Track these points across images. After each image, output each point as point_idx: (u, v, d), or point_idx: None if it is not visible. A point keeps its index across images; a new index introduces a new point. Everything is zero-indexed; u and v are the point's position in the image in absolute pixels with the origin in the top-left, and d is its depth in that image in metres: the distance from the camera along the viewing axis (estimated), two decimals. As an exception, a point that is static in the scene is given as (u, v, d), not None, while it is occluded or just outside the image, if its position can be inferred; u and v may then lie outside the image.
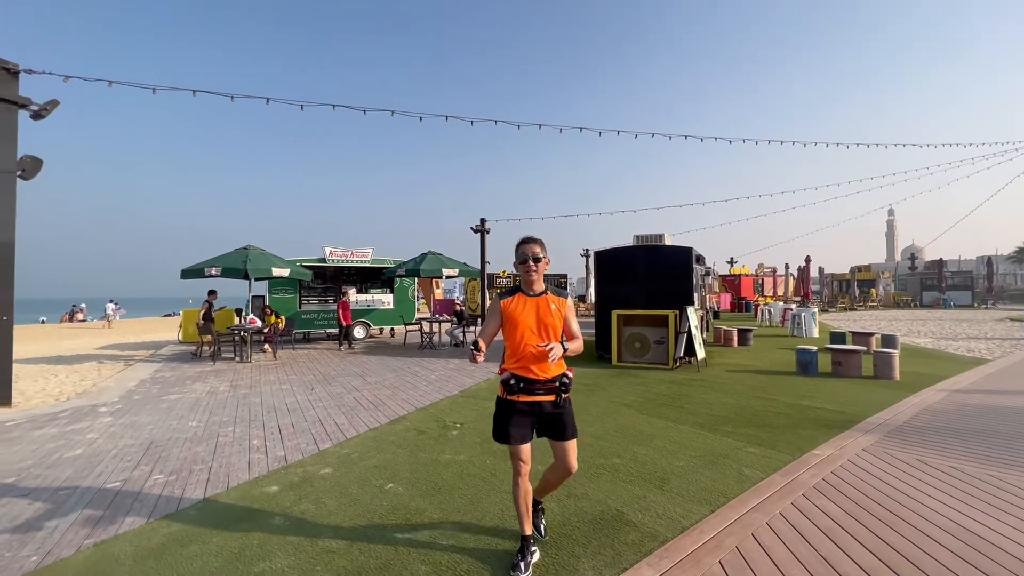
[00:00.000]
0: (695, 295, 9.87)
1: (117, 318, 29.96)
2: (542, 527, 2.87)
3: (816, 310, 15.02)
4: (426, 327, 13.33)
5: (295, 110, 9.24)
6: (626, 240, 11.32)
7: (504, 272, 31.99)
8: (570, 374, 2.63)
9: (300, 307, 14.55)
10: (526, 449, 2.56)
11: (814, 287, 34.35)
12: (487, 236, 22.91)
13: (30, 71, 6.46)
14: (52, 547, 2.87)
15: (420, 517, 3.16)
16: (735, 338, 12.34)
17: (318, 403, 6.47)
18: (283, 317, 12.60)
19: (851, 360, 8.01)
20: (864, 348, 8.56)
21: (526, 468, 2.56)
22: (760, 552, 2.69)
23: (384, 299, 15.77)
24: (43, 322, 33.80)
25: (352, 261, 15.21)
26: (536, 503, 2.90)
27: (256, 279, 11.79)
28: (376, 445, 4.65)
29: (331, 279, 15.63)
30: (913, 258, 40.50)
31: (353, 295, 15.07)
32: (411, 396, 6.79)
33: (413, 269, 13.08)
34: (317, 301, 15.09)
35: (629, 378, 7.97)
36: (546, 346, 2.43)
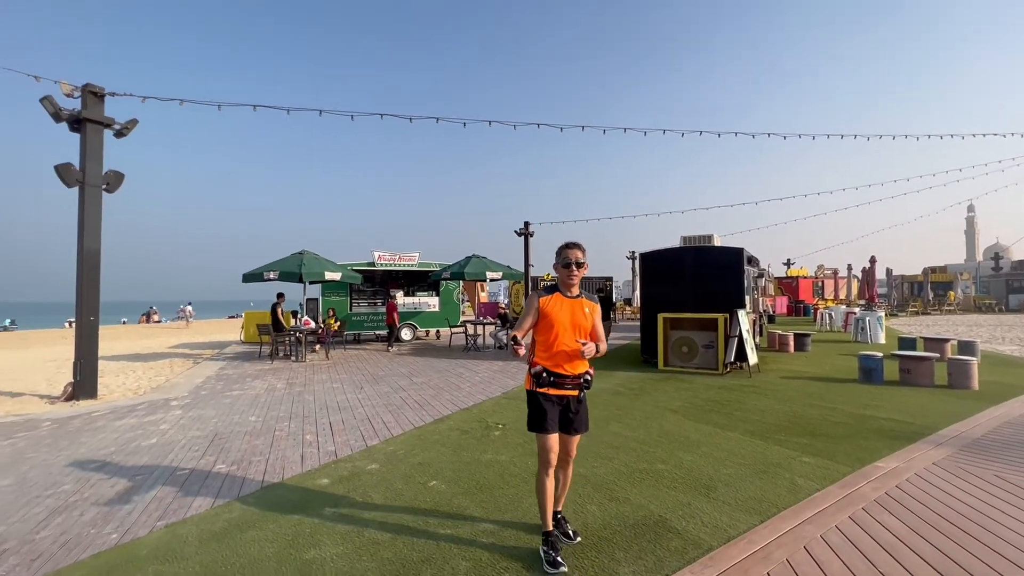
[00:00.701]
0: (746, 298, 9.49)
1: (191, 319, 32.53)
2: (570, 531, 2.87)
3: (882, 314, 14.03)
4: (471, 329, 13.53)
5: (346, 120, 9.65)
6: (673, 242, 11.06)
7: (548, 275, 31.97)
8: (591, 372, 2.77)
9: (351, 309, 15.14)
10: (556, 439, 2.70)
11: (880, 289, 32.12)
12: (531, 239, 23.02)
13: (113, 94, 7.13)
14: (130, 526, 3.14)
15: (462, 514, 3.21)
16: (791, 343, 11.75)
17: (367, 402, 6.71)
18: (339, 320, 13.26)
19: (921, 367, 7.43)
20: (937, 355, 7.93)
21: (555, 458, 2.71)
22: (812, 565, 2.55)
23: (430, 302, 16.13)
24: (124, 323, 36.86)
25: (399, 265, 15.68)
26: (556, 514, 2.92)
27: (310, 282, 12.41)
28: (421, 443, 4.77)
29: (380, 282, 16.17)
30: (997, 258, 37.03)
31: (400, 298, 15.53)
32: (455, 397, 6.92)
33: (458, 272, 13.32)
34: (367, 304, 15.65)
35: (676, 383, 7.76)
36: (584, 344, 2.63)
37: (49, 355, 13.89)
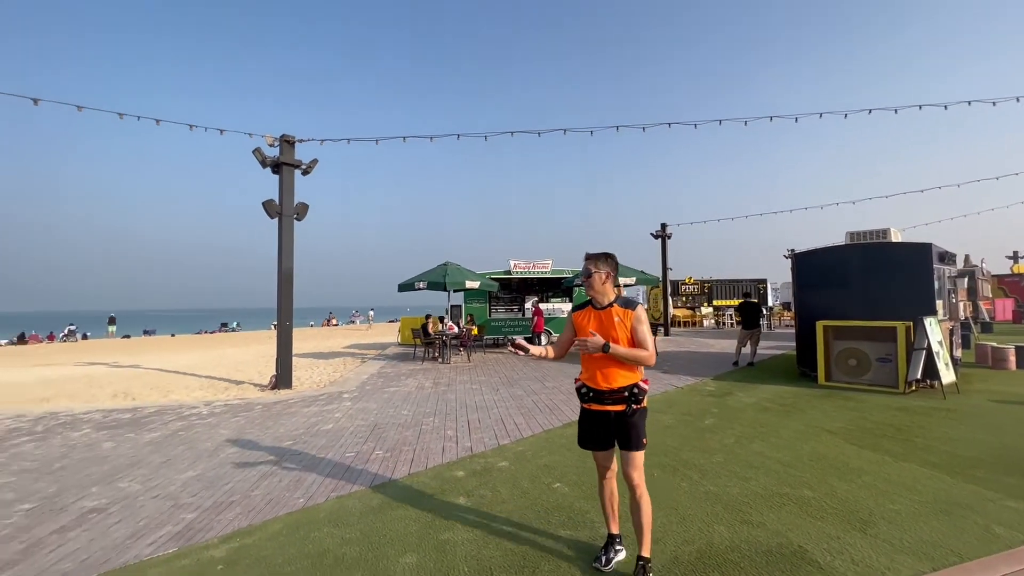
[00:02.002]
0: (938, 302, 7.89)
1: (371, 323, 38.46)
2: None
3: None
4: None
5: (480, 141, 10.42)
6: (837, 239, 9.68)
7: (690, 279, 30.06)
8: (643, 384, 2.61)
9: (490, 315, 16.13)
10: (604, 455, 2.71)
11: None
12: (668, 241, 21.95)
13: (300, 140, 8.77)
14: (312, 494, 3.86)
15: (582, 518, 3.30)
16: (1011, 358, 9.38)
17: (501, 403, 7.14)
18: (476, 326, 14.29)
19: None
20: None
21: (607, 472, 2.73)
22: (1004, 632, 2.10)
23: (564, 308, 16.39)
24: (312, 325, 44.10)
25: (534, 272, 16.25)
26: (637, 561, 2.59)
27: (454, 291, 13.56)
28: (548, 446, 4.96)
29: (516, 290, 16.93)
30: None
31: (531, 305, 16.09)
32: (584, 403, 6.98)
33: (590, 279, 13.34)
34: (504, 310, 16.52)
35: (839, 400, 6.79)
36: (586, 340, 2.54)
37: (262, 352, 17.32)
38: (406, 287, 13.03)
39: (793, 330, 10.72)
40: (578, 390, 2.72)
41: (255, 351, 17.93)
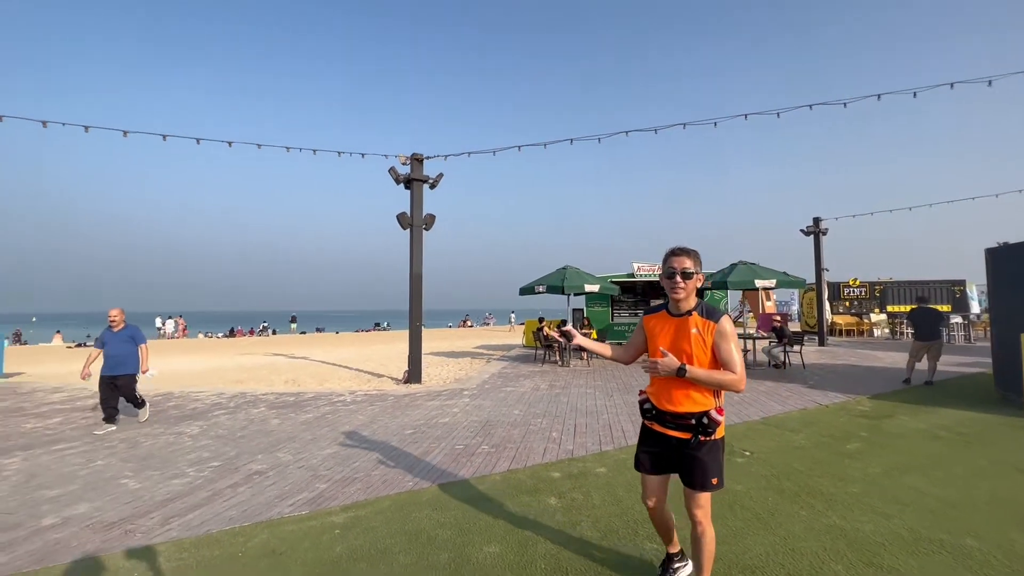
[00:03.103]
0: None
1: (513, 325, 40.52)
2: None
3: None
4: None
5: (594, 143, 10.32)
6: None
7: (854, 280, 25.91)
8: (716, 415, 2.19)
9: (612, 319, 15.80)
10: (654, 481, 2.39)
11: None
12: (823, 238, 19.31)
13: (428, 157, 9.64)
14: (422, 478, 4.24)
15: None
16: None
17: (612, 409, 6.99)
18: (595, 329, 14.07)
19: None
20: None
21: (652, 503, 2.42)
22: None
23: (692, 313, 15.36)
24: (449, 327, 47.60)
25: (659, 275, 15.53)
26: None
27: (575, 294, 13.59)
28: (652, 456, 4.74)
29: (641, 293, 16.32)
30: None
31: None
32: (703, 414, 6.50)
33: (720, 281, 12.31)
34: (628, 314, 16.04)
35: (1049, 434, 5.33)
36: (645, 361, 2.27)
37: (403, 350, 19.22)
38: (527, 291, 13.43)
39: (982, 344, 8.62)
40: (641, 404, 2.43)
41: (399, 349, 19.97)
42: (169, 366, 13.76)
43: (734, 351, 2.18)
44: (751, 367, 11.29)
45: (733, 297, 14.77)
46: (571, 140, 10.37)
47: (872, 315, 23.29)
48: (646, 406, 2.40)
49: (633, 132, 10.07)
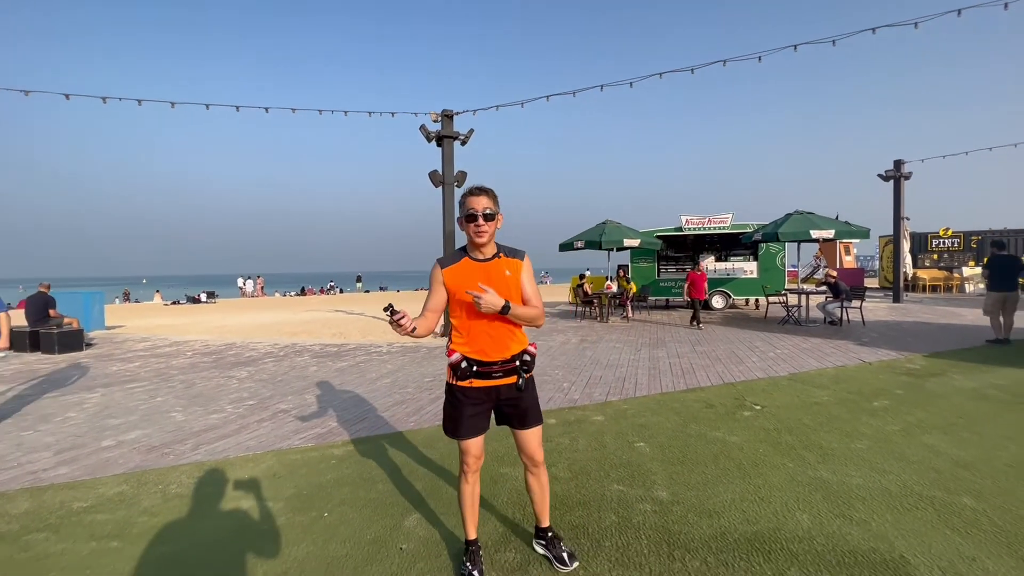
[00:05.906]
0: None
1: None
2: (565, 555, 2.27)
3: None
4: (792, 299, 11.58)
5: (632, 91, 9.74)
6: None
7: (945, 230, 23.18)
8: (532, 349, 2.20)
9: (658, 275, 15.30)
10: (478, 443, 2.20)
11: None
12: (904, 183, 17.45)
13: (457, 112, 9.56)
14: (424, 421, 4.50)
15: (646, 478, 3.15)
16: None
17: (634, 363, 6.93)
18: (633, 284, 13.74)
19: None
20: None
21: (477, 464, 2.23)
22: None
23: (746, 267, 14.53)
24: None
25: (710, 228, 14.72)
26: (546, 533, 2.37)
27: (617, 249, 13.26)
28: (656, 407, 4.71)
29: (691, 247, 15.61)
30: None
31: (711, 264, 14.59)
32: (728, 370, 6.30)
33: (771, 233, 11.50)
34: (675, 269, 15.45)
35: None
36: (475, 296, 1.95)
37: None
38: (566, 247, 13.27)
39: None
40: (455, 365, 2.13)
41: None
42: (239, 321, 15.16)
43: (534, 285, 2.21)
44: (802, 324, 10.64)
45: (790, 251, 13.65)
46: (601, 86, 9.85)
47: (966, 268, 20.88)
48: (463, 365, 2.11)
49: (667, 74, 9.38)
